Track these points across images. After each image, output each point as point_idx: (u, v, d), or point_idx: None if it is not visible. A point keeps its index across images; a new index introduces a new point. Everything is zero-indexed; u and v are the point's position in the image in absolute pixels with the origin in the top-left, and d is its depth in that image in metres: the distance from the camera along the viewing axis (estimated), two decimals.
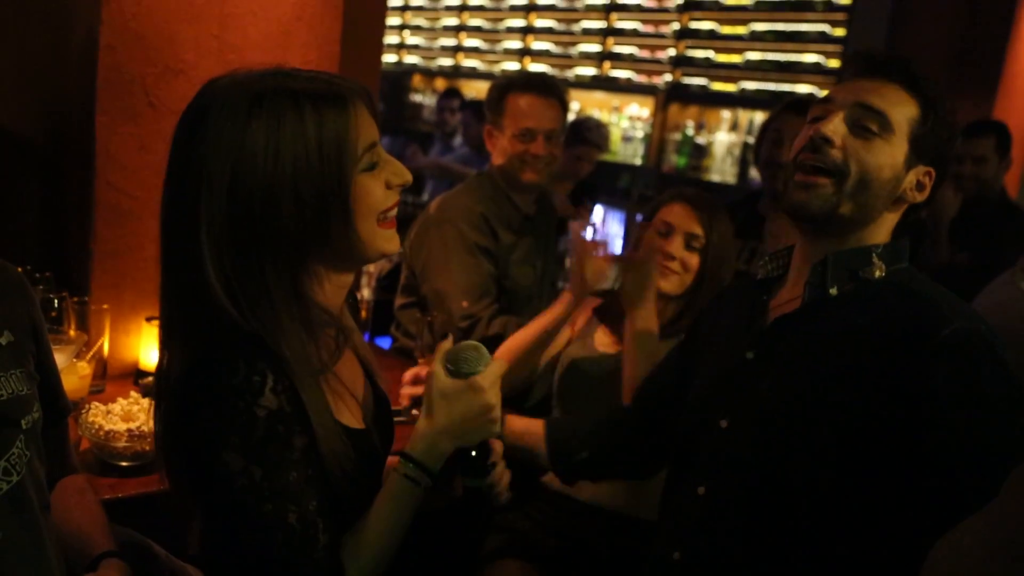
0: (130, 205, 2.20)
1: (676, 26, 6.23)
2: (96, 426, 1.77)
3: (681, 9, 6.20)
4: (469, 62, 7.90)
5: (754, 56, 5.80)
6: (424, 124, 7.76)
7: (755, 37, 5.78)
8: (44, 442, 1.27)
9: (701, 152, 5.97)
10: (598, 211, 5.05)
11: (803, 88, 5.54)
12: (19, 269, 1.38)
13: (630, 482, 2.03)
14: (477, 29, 7.83)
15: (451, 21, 8.07)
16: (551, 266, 2.99)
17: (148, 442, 1.77)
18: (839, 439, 1.32)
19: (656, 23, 6.41)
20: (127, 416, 1.82)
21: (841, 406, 1.33)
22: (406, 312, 2.78)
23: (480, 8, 7.81)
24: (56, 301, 2.00)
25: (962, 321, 1.29)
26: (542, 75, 2.82)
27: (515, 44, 7.46)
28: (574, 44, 7.00)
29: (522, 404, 2.64)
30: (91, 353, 2.04)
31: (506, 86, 2.70)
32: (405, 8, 8.50)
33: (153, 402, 1.81)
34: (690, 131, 6.02)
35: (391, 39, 8.39)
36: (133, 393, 1.95)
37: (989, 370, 1.28)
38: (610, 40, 6.72)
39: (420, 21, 8.45)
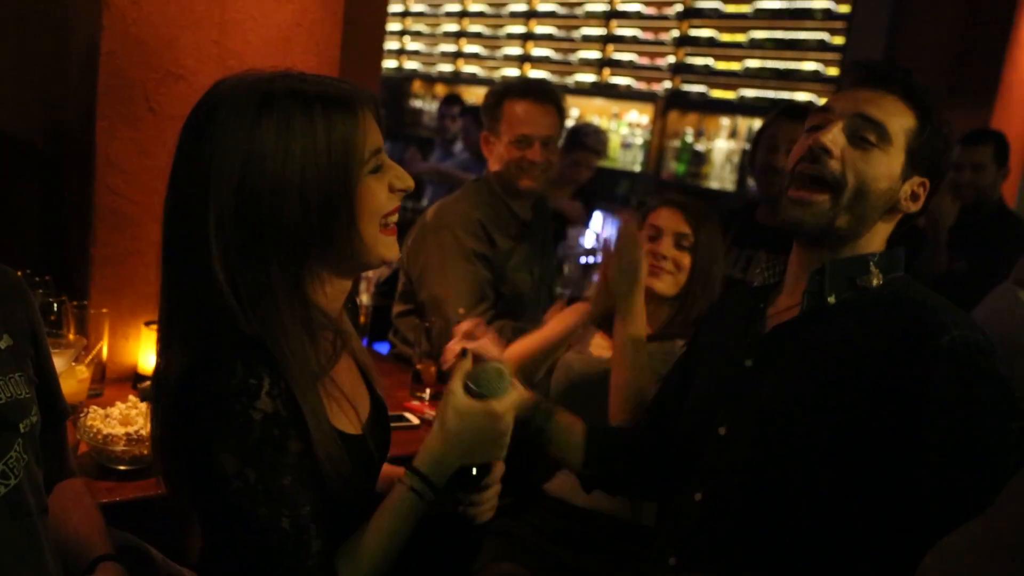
0: (130, 210, 2.21)
1: (676, 33, 6.25)
2: (94, 430, 1.77)
3: (681, 17, 6.22)
4: (469, 68, 7.92)
5: (753, 64, 5.82)
6: (424, 129, 7.78)
7: (754, 45, 5.80)
8: (42, 445, 1.27)
9: (700, 159, 5.99)
10: (597, 217, 5.06)
11: (802, 96, 5.55)
12: (19, 273, 1.38)
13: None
14: (477, 35, 7.85)
15: (451, 27, 8.09)
16: (549, 272, 2.99)
17: (146, 446, 1.77)
18: (837, 445, 1.33)
19: (656, 30, 6.43)
20: (125, 420, 1.82)
21: (840, 412, 1.34)
22: (404, 319, 2.79)
23: (480, 14, 7.83)
24: (55, 305, 2.01)
25: (961, 329, 1.30)
26: (539, 81, 2.82)
27: (515, 50, 7.48)
28: (574, 51, 7.02)
29: None
30: (90, 357, 2.04)
31: (503, 92, 2.70)
32: (405, 14, 8.52)
33: (152, 406, 1.83)
34: (689, 138, 6.04)
35: (391, 44, 8.41)
36: (131, 397, 1.95)
37: (986, 378, 1.29)
38: (610, 47, 6.74)
39: (420, 27, 8.47)
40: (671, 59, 6.29)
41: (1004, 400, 1.29)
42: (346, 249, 1.20)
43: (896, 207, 1.43)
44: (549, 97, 2.69)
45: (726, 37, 5.99)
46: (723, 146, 5.88)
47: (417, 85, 8.24)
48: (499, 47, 7.65)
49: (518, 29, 7.46)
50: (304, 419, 1.15)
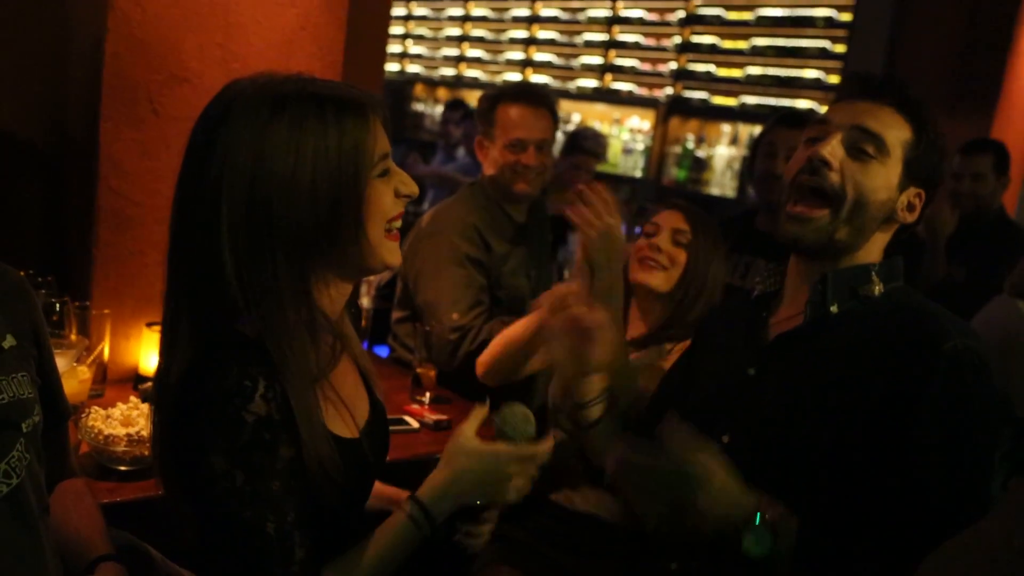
0: (132, 211, 2.22)
1: (678, 40, 6.27)
2: (96, 430, 1.78)
3: (683, 23, 6.24)
4: (471, 72, 7.94)
5: (755, 71, 5.84)
6: (426, 133, 7.80)
7: (756, 52, 5.82)
8: (44, 445, 1.28)
9: (701, 165, 6.00)
10: None
11: (803, 103, 5.57)
12: (21, 273, 1.39)
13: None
14: (479, 39, 7.87)
15: (454, 31, 8.11)
16: (546, 275, 2.99)
17: (147, 447, 1.78)
18: (841, 452, 1.34)
19: (658, 36, 6.45)
20: (126, 421, 1.83)
21: (843, 419, 1.35)
22: (402, 325, 2.79)
23: (483, 19, 7.85)
24: (58, 305, 2.01)
25: (962, 338, 1.32)
26: (532, 85, 2.84)
27: (517, 55, 7.50)
28: (576, 56, 7.03)
29: None
30: (91, 357, 2.05)
31: (496, 97, 2.71)
32: (408, 18, 8.54)
33: (152, 407, 1.84)
34: (690, 144, 6.05)
35: (394, 48, 8.43)
36: (132, 398, 1.96)
37: (982, 385, 1.32)
38: (612, 53, 6.76)
39: (423, 31, 8.49)
40: (673, 65, 6.30)
41: (996, 407, 1.33)
42: (352, 251, 1.20)
43: (893, 218, 1.45)
44: (543, 101, 2.70)
45: (728, 44, 6.01)
46: (724, 152, 5.90)
47: (419, 89, 8.26)
48: (501, 52, 7.67)
49: (520, 34, 7.48)
50: (294, 427, 1.15)
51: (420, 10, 8.51)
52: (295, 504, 1.15)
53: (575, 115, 6.83)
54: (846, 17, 5.37)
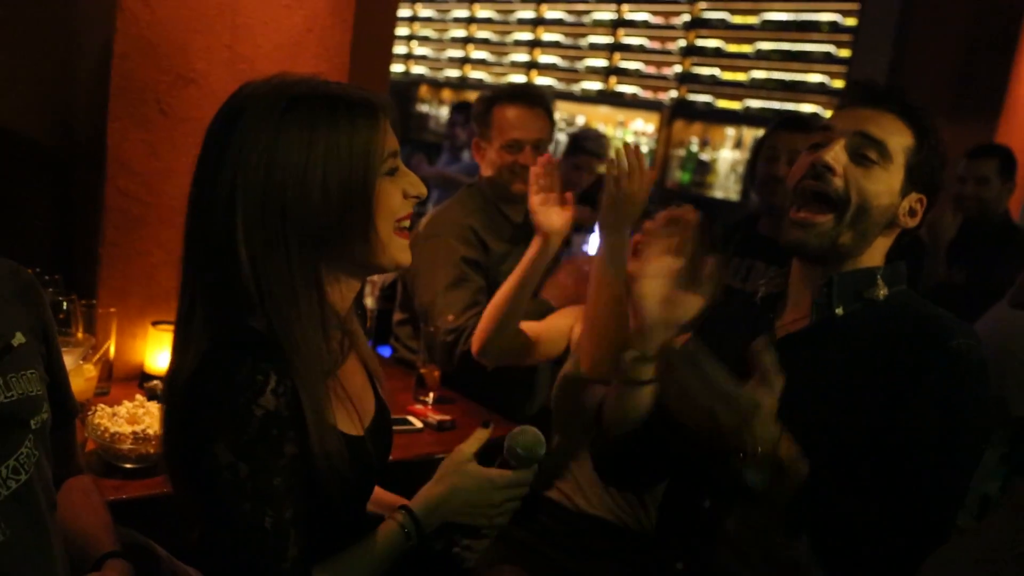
0: (139, 210, 2.23)
1: (683, 43, 6.28)
2: (102, 428, 1.79)
3: (688, 27, 6.25)
4: (476, 74, 7.95)
5: (759, 75, 5.85)
6: (430, 134, 7.81)
7: (760, 56, 5.83)
8: (52, 443, 1.29)
9: (705, 168, 6.01)
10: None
11: (807, 107, 5.58)
12: (29, 271, 1.40)
13: (630, 494, 2.05)
14: (485, 41, 7.89)
15: (459, 33, 8.13)
16: (546, 275, 3.00)
17: (152, 445, 1.79)
18: (849, 448, 1.36)
19: (663, 40, 6.46)
20: (132, 419, 1.84)
21: (849, 416, 1.37)
22: (403, 328, 2.81)
23: (488, 21, 7.87)
24: (65, 304, 2.03)
25: (964, 338, 1.36)
26: (528, 86, 2.86)
27: (522, 57, 7.51)
28: (581, 59, 7.05)
29: (524, 412, 2.66)
30: (97, 356, 2.06)
31: (492, 99, 2.73)
32: (414, 19, 8.56)
33: (160, 405, 1.85)
34: (694, 147, 6.06)
35: (399, 49, 8.45)
36: (138, 396, 1.97)
37: (977, 383, 1.36)
38: (616, 55, 6.77)
39: (428, 32, 8.51)
40: (677, 68, 6.31)
41: (989, 406, 1.37)
42: (362, 248, 1.23)
43: (895, 222, 1.47)
44: (538, 101, 2.71)
45: (733, 48, 6.02)
46: (728, 156, 5.90)
47: (424, 90, 8.27)
48: (506, 53, 7.68)
49: (526, 36, 7.49)
50: (305, 422, 1.18)
51: (425, 12, 8.52)
52: (293, 502, 1.17)
53: (579, 117, 6.85)
54: (851, 22, 5.37)
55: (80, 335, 2.02)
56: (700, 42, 6.21)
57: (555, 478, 2.18)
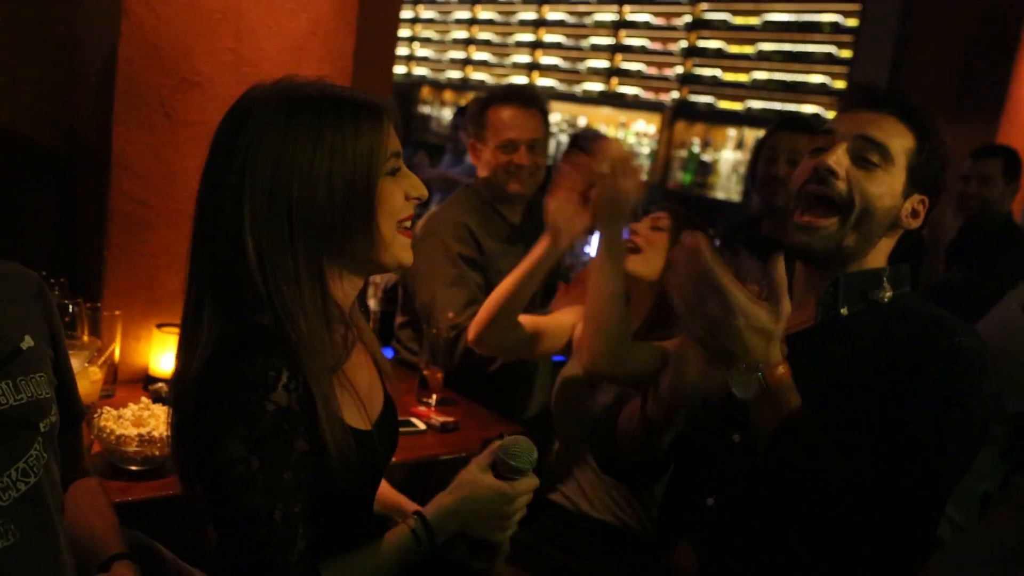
0: (144, 213, 2.24)
1: (684, 44, 6.28)
2: (108, 430, 1.80)
3: (689, 28, 6.25)
4: (478, 75, 7.96)
5: (761, 75, 5.85)
6: (432, 136, 7.82)
7: (762, 57, 5.83)
8: (59, 445, 1.30)
9: (707, 169, 6.01)
10: None
11: (809, 108, 5.58)
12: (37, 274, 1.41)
13: (632, 496, 2.05)
14: (486, 42, 7.89)
15: (461, 34, 8.14)
16: (552, 280, 3.01)
17: (158, 447, 1.80)
18: (851, 443, 1.36)
19: (664, 41, 6.46)
20: (138, 421, 1.85)
21: (853, 411, 1.38)
22: (404, 330, 2.82)
23: (490, 22, 7.88)
24: (71, 307, 2.03)
25: (966, 336, 1.38)
26: (521, 87, 2.87)
27: (524, 58, 7.52)
28: (582, 60, 7.05)
29: (519, 417, 2.67)
30: (103, 358, 2.07)
31: (487, 100, 2.75)
32: (415, 20, 8.56)
33: (166, 408, 1.86)
34: (696, 148, 6.07)
35: (400, 51, 8.46)
36: (144, 399, 1.98)
37: (976, 380, 1.37)
38: (618, 56, 6.77)
39: (430, 33, 8.51)
40: (679, 69, 6.32)
41: (986, 404, 1.37)
42: (365, 246, 1.26)
43: (898, 224, 1.48)
44: (532, 101, 2.73)
45: (734, 49, 6.03)
46: (730, 157, 5.91)
47: (426, 91, 8.28)
48: (508, 55, 7.69)
49: (527, 37, 7.50)
50: (316, 417, 1.20)
51: (427, 13, 8.53)
52: (302, 497, 1.20)
53: (581, 119, 6.85)
54: (852, 22, 5.38)
55: (85, 338, 2.04)
56: (702, 43, 6.22)
57: (557, 480, 2.18)
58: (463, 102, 7.21)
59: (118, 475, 1.80)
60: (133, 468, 1.80)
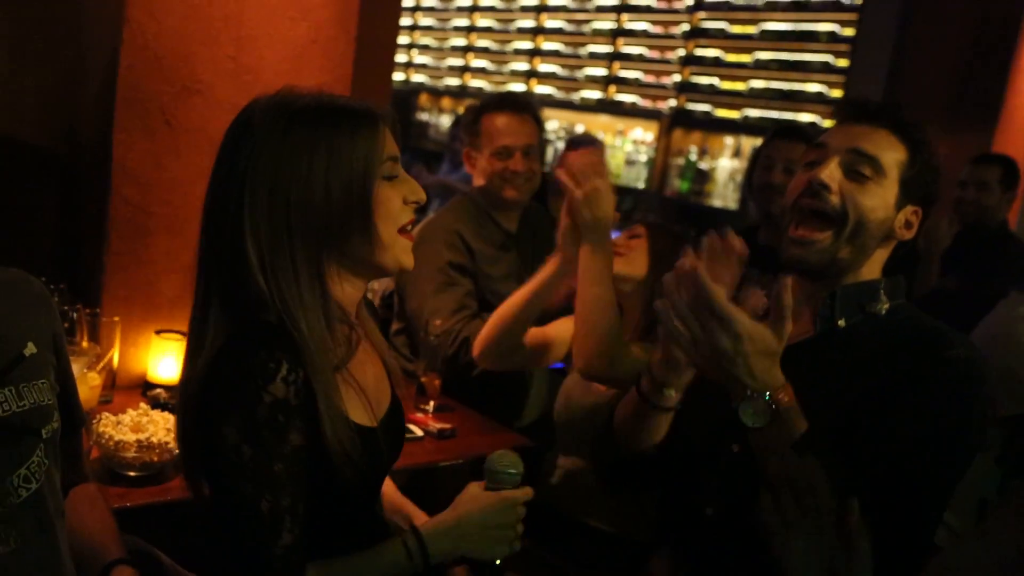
0: (144, 220, 2.25)
1: (682, 53, 6.30)
2: (106, 436, 1.80)
3: (687, 36, 6.28)
4: (476, 82, 7.97)
5: (758, 84, 5.87)
6: (430, 142, 7.83)
7: (759, 66, 5.85)
8: (60, 451, 1.30)
9: (704, 177, 6.03)
10: None
11: (806, 117, 5.59)
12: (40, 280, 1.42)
13: (629, 504, 2.06)
14: (484, 50, 7.91)
15: (459, 41, 8.15)
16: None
17: (157, 453, 1.81)
18: (849, 453, 1.37)
19: (662, 49, 6.48)
20: (137, 427, 1.86)
21: (851, 421, 1.39)
22: (399, 337, 2.83)
23: (488, 29, 7.89)
24: (70, 312, 2.04)
25: (963, 348, 1.39)
26: (514, 94, 2.89)
27: (522, 66, 7.53)
28: (580, 67, 7.07)
29: (516, 423, 2.67)
30: (101, 364, 2.08)
31: (480, 108, 2.77)
32: (414, 27, 8.58)
33: (165, 414, 1.87)
34: (693, 156, 6.08)
35: (399, 58, 8.46)
36: (142, 404, 1.99)
37: (974, 391, 1.38)
38: (616, 64, 6.79)
39: (428, 41, 8.53)
40: (677, 78, 6.34)
41: (982, 413, 1.38)
42: (364, 248, 1.30)
43: (891, 235, 1.50)
44: (526, 108, 2.75)
45: (731, 57, 6.04)
46: (727, 165, 5.92)
47: (424, 98, 8.29)
48: (506, 62, 7.71)
49: (525, 45, 7.51)
50: (314, 414, 1.22)
51: (425, 20, 8.55)
52: (293, 491, 1.21)
53: (579, 126, 6.87)
54: (849, 32, 5.39)
55: (84, 344, 2.04)
56: (699, 52, 6.23)
57: (556, 488, 2.19)
58: (461, 109, 7.22)
59: (117, 481, 1.80)
60: (132, 474, 1.81)
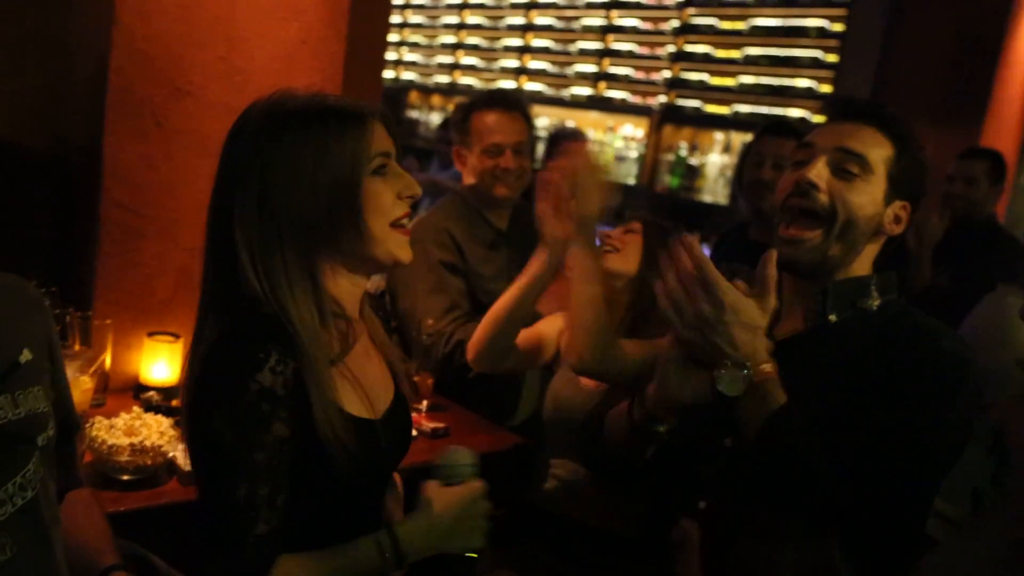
0: (136, 223, 2.25)
1: (671, 49, 6.31)
2: (99, 440, 1.80)
3: (677, 32, 6.28)
4: (466, 79, 7.96)
5: (748, 80, 5.88)
6: (421, 140, 7.82)
7: (749, 61, 5.86)
8: (55, 457, 1.30)
9: (694, 173, 6.04)
10: None
11: (795, 112, 5.61)
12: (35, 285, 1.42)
13: (620, 501, 2.07)
14: (474, 47, 7.90)
15: (449, 39, 8.14)
16: None
17: (150, 456, 1.81)
18: (845, 447, 1.38)
19: (652, 45, 6.49)
20: (130, 431, 1.85)
21: (842, 415, 1.40)
22: (391, 337, 2.82)
23: (478, 27, 7.88)
24: (66, 317, 2.04)
25: (951, 341, 1.41)
26: (503, 91, 2.90)
27: (512, 63, 7.53)
28: (570, 64, 7.07)
29: (507, 421, 2.68)
30: (94, 367, 2.07)
31: (469, 106, 2.77)
32: (403, 25, 8.56)
33: (158, 417, 1.87)
34: (683, 152, 6.09)
35: (389, 55, 8.44)
36: (135, 408, 1.98)
37: (962, 384, 1.39)
38: (606, 61, 6.79)
39: (418, 38, 8.51)
40: (666, 74, 6.34)
41: (971, 407, 1.40)
42: (356, 243, 1.31)
43: (881, 230, 1.51)
44: (515, 105, 2.75)
45: (721, 53, 6.05)
46: (717, 160, 5.93)
47: (414, 96, 8.28)
48: (496, 59, 7.70)
49: (515, 42, 7.51)
50: (305, 405, 1.23)
51: (415, 18, 8.53)
52: (272, 482, 1.22)
53: (569, 122, 6.87)
54: (838, 27, 5.41)
55: (77, 347, 2.04)
56: (689, 48, 6.24)
57: (548, 488, 2.20)
58: (451, 106, 7.22)
59: (110, 485, 1.80)
60: (125, 478, 1.81)
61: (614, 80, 6.73)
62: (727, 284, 1.31)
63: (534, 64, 7.36)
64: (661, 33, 6.41)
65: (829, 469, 1.33)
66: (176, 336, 2.29)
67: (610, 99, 6.73)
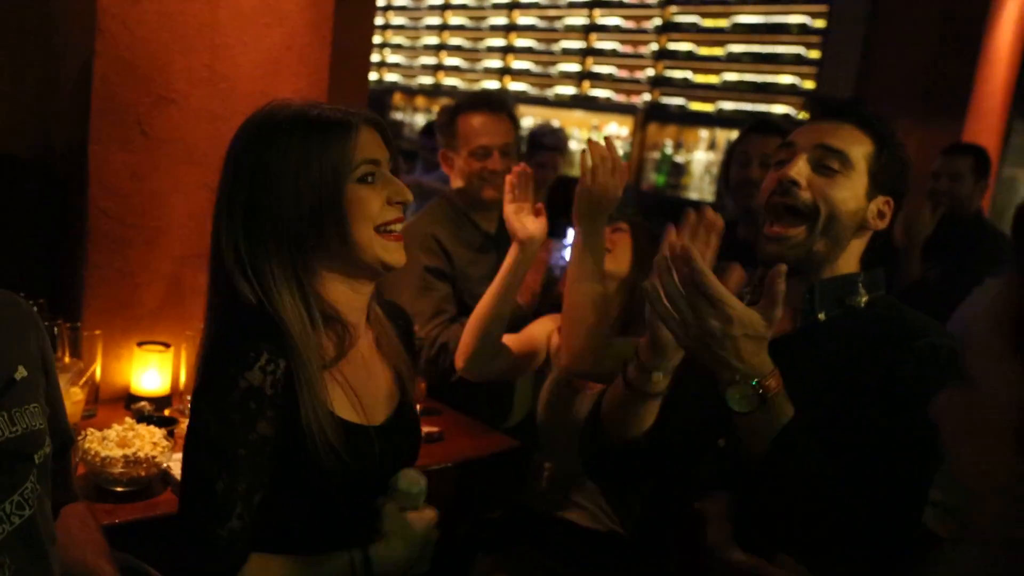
0: (122, 232, 2.23)
1: (655, 47, 6.33)
2: (92, 452, 1.79)
3: (660, 31, 6.30)
4: (449, 80, 7.96)
5: (731, 77, 5.90)
6: (405, 142, 7.80)
7: (732, 58, 5.89)
8: (51, 472, 1.29)
9: (679, 170, 6.06)
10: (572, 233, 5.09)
11: (779, 108, 5.64)
12: (29, 302, 1.41)
13: (618, 502, 2.07)
14: (457, 48, 7.90)
15: (432, 40, 8.14)
16: None
17: (144, 467, 1.80)
18: (838, 445, 1.39)
19: (635, 44, 6.50)
20: (123, 442, 1.84)
21: (833, 412, 1.41)
22: None
23: (461, 27, 7.88)
24: (53, 328, 2.02)
25: (938, 336, 1.41)
26: (489, 93, 2.89)
27: (495, 63, 7.53)
28: (554, 63, 7.08)
29: (501, 424, 2.68)
30: (84, 379, 2.06)
31: (455, 109, 2.76)
32: (386, 27, 8.55)
33: (151, 428, 1.85)
34: (668, 150, 6.11)
35: (372, 58, 8.43)
36: (128, 419, 1.97)
37: (947, 378, 1.36)
38: (589, 60, 6.80)
39: (401, 40, 8.50)
40: (650, 72, 6.36)
41: None
42: (343, 249, 1.34)
43: (865, 226, 1.52)
44: (501, 107, 2.74)
45: (704, 51, 6.07)
46: (702, 157, 5.96)
47: (397, 98, 8.27)
48: (479, 60, 7.70)
49: (498, 42, 7.51)
50: (294, 405, 1.25)
51: (398, 19, 8.52)
52: (251, 479, 1.24)
53: (554, 122, 6.88)
54: (820, 24, 5.44)
55: (67, 359, 2.03)
56: (672, 46, 6.26)
57: (544, 490, 2.20)
58: (435, 108, 7.20)
59: (104, 497, 1.79)
60: (119, 489, 1.79)
61: (598, 79, 6.74)
62: (732, 297, 1.30)
63: (518, 64, 7.37)
64: (644, 32, 6.43)
65: (844, 484, 1.33)
66: (166, 345, 2.28)
67: (594, 98, 6.75)
